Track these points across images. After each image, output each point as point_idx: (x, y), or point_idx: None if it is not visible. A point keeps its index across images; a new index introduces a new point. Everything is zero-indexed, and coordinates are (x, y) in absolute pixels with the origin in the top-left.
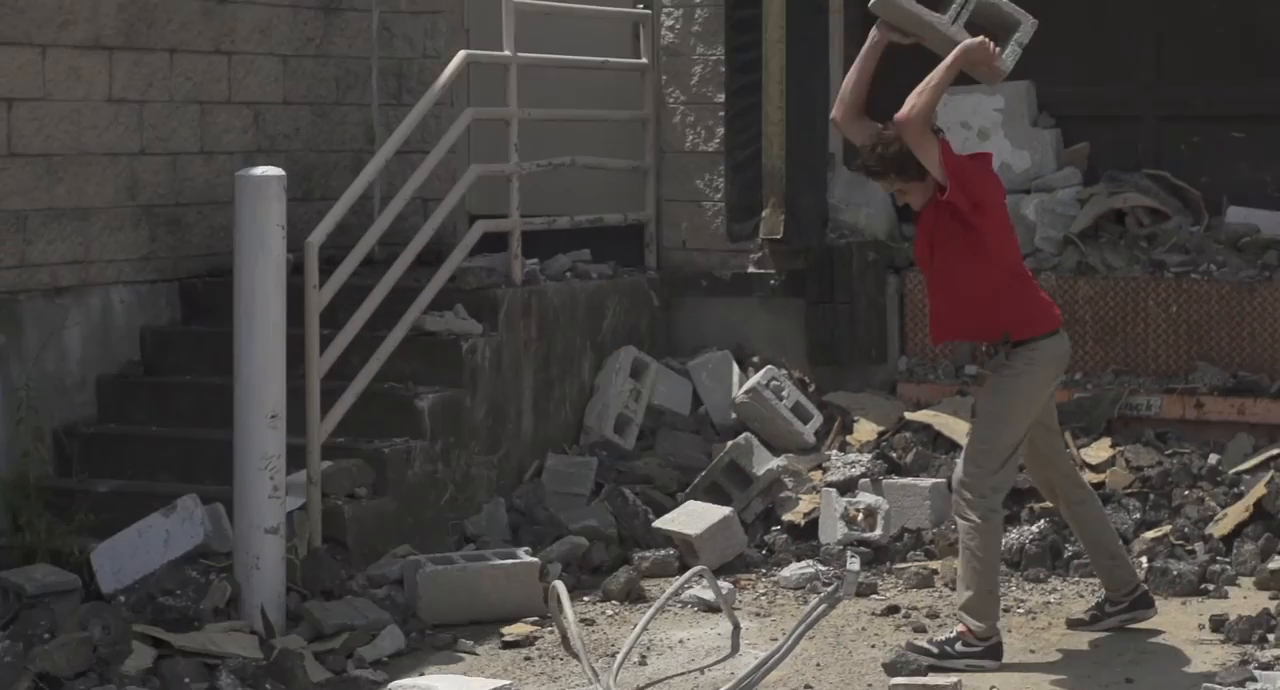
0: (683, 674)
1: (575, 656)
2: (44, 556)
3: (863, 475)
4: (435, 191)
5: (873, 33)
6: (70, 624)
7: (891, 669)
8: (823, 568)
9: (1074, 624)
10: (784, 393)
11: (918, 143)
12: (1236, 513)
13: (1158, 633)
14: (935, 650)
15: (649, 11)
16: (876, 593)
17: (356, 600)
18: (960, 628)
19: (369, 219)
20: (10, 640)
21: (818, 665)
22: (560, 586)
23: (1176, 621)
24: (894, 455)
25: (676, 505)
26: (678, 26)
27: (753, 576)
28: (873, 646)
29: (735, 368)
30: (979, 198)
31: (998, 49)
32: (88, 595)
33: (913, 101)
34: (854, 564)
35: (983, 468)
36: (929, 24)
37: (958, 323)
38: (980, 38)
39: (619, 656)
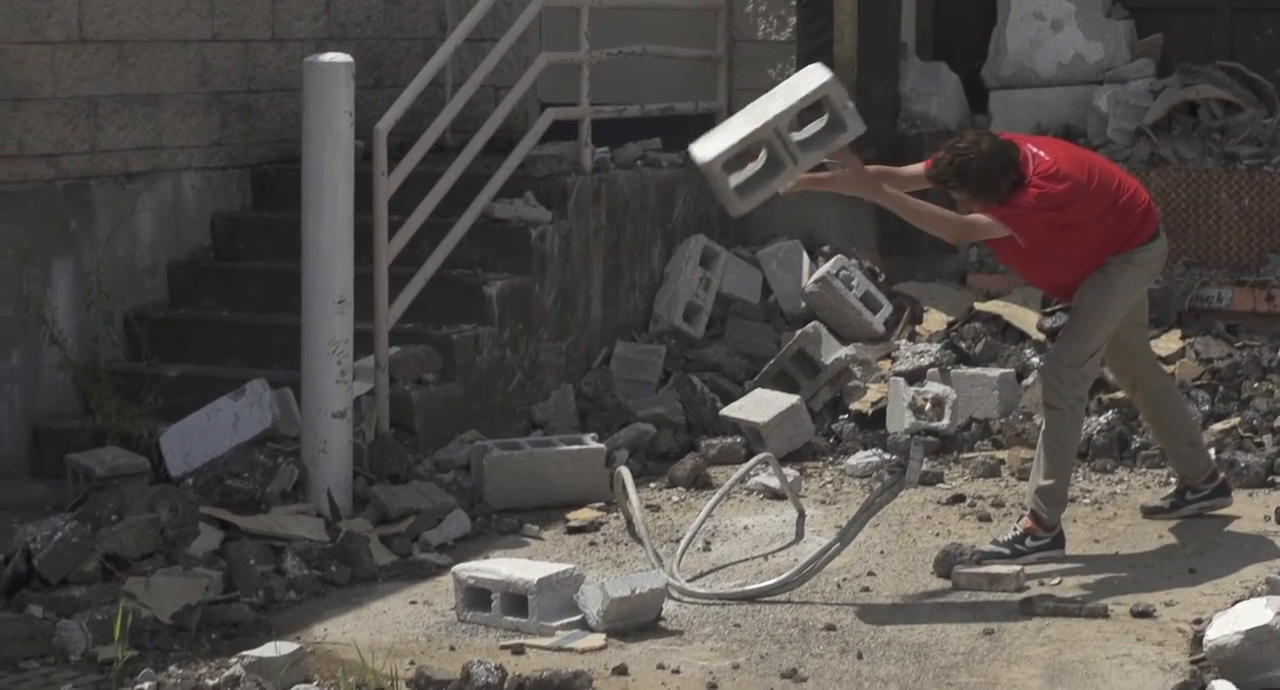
0: (746, 560)
1: (639, 542)
2: (113, 439)
3: (931, 365)
4: (506, 79)
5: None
6: (138, 506)
7: (941, 566)
8: (889, 457)
9: (1151, 512)
10: (854, 282)
11: (984, 234)
12: None
13: (1224, 523)
14: (1007, 550)
15: None
16: (942, 482)
17: (423, 485)
18: (1026, 523)
19: (439, 106)
20: (79, 521)
21: (881, 553)
22: (626, 473)
23: (1243, 513)
24: (963, 345)
25: (744, 393)
26: None
27: (819, 465)
28: (937, 535)
29: (805, 257)
30: (1064, 221)
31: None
32: (156, 478)
33: (941, 230)
34: (918, 452)
35: (1077, 359)
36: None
37: (1068, 285)
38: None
39: (683, 542)
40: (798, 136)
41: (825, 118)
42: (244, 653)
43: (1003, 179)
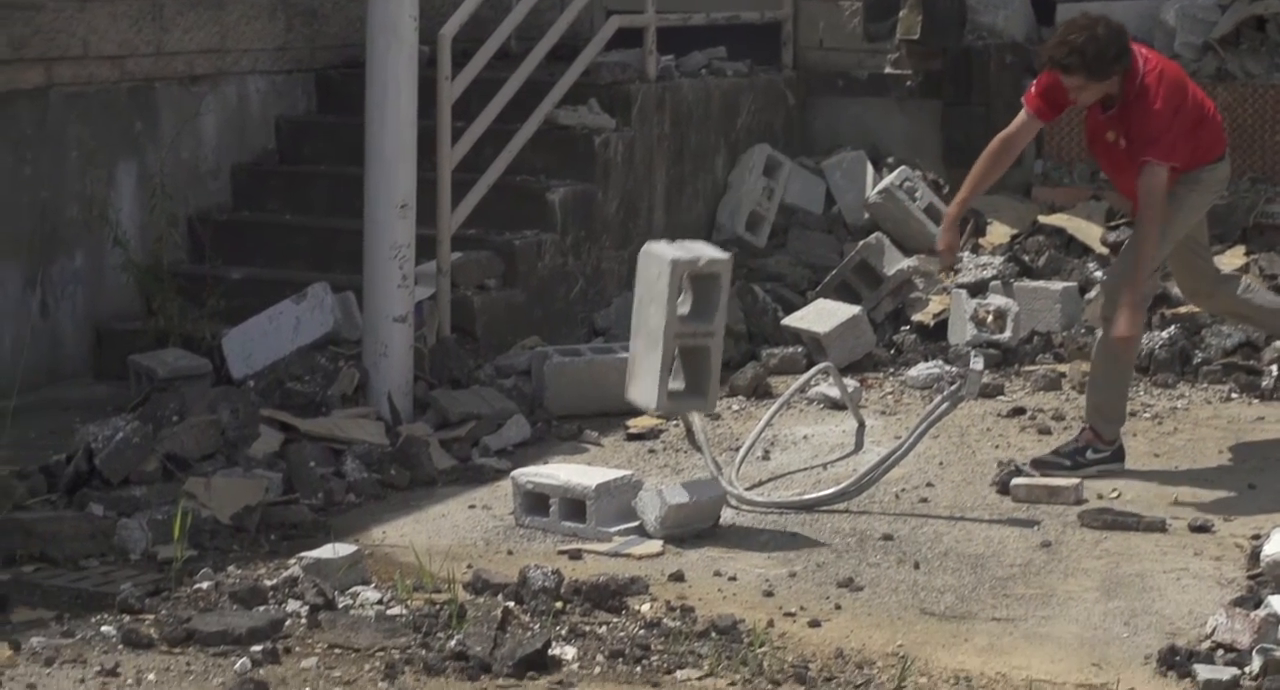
0: (805, 469)
1: (698, 450)
2: (175, 341)
3: (994, 277)
4: None
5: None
6: (199, 407)
7: (999, 478)
8: (949, 368)
9: None
10: (917, 194)
11: (1154, 233)
12: None
13: None
14: (1068, 462)
15: None
16: (1003, 394)
17: (483, 390)
18: (1086, 435)
19: (503, 13)
20: (140, 422)
21: (940, 464)
22: None
23: None
24: (1026, 258)
25: (806, 303)
26: None
27: (879, 376)
28: (996, 447)
29: (869, 168)
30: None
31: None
32: (217, 379)
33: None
34: (978, 363)
35: (1139, 275)
36: None
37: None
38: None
39: (742, 450)
40: (684, 311)
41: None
42: (302, 554)
43: (1116, 65)
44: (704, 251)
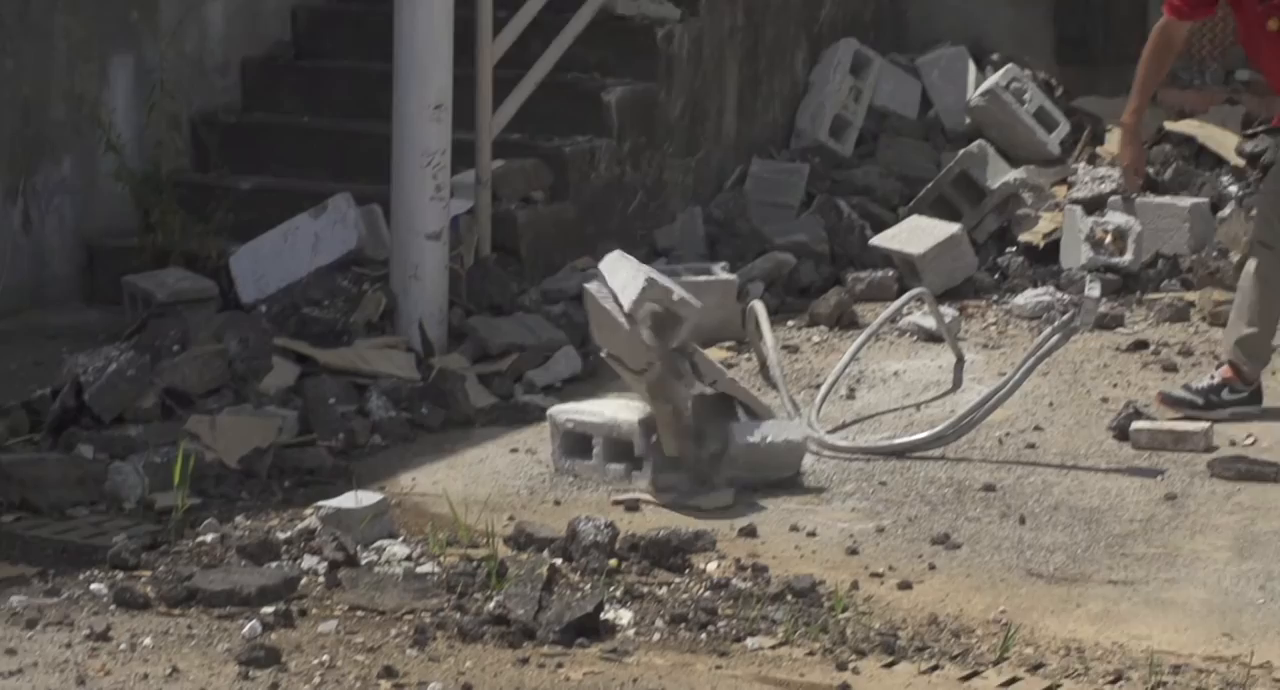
0: (896, 410)
1: (774, 387)
2: (177, 260)
3: (1113, 192)
4: None
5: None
6: (204, 335)
7: (1118, 421)
8: (1061, 296)
9: None
10: (1026, 96)
11: None
12: None
13: None
14: (1200, 400)
15: None
16: (1122, 326)
17: (528, 318)
18: (1224, 372)
19: None
20: (136, 351)
21: (1050, 404)
22: (760, 308)
23: None
24: (1150, 170)
25: (897, 220)
26: None
27: (981, 303)
28: (1114, 386)
29: (971, 66)
30: None
31: None
32: (225, 304)
33: None
34: (1095, 290)
35: None
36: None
37: None
38: None
39: (823, 388)
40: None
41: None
42: (320, 503)
43: None
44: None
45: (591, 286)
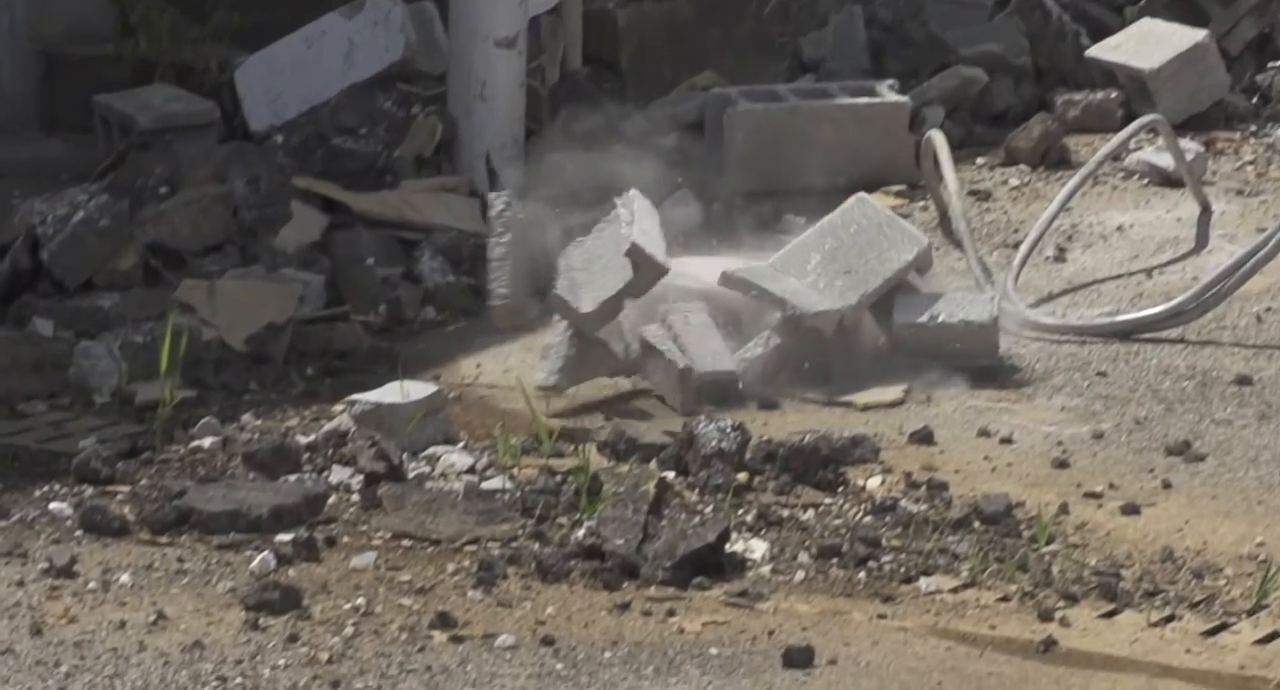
0: (1120, 277)
1: (958, 245)
2: (165, 74)
3: None
4: None
5: None
6: (201, 175)
7: None
8: None
9: None
10: None
11: None
12: None
13: None
14: None
15: None
16: None
17: (630, 151)
18: None
19: None
20: (110, 195)
21: None
22: (940, 140)
23: None
24: None
25: (1123, 25)
26: None
27: (1234, 136)
28: None
29: None
30: None
31: None
32: (228, 133)
33: None
34: None
35: None
36: None
37: None
38: None
39: (1024, 248)
40: None
41: None
42: (354, 397)
43: None
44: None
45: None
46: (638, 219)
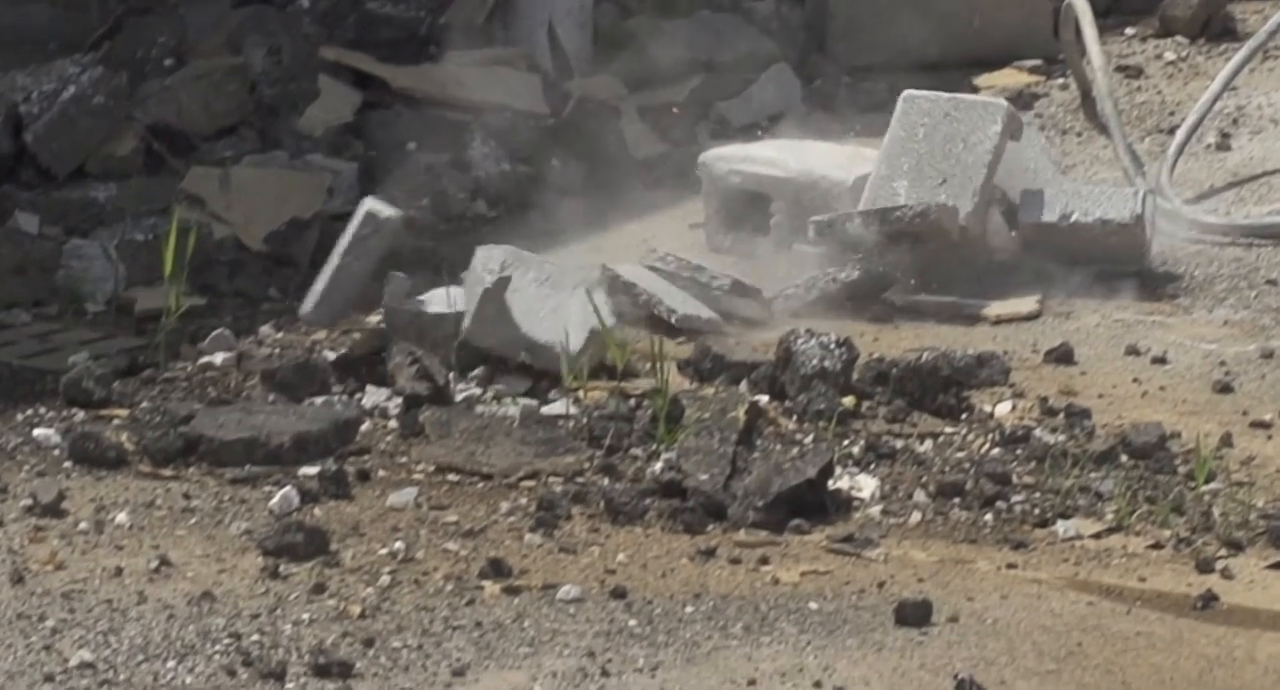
0: None
1: (1103, 130)
2: None
3: None
4: None
5: None
6: (212, 44)
7: None
8: None
9: None
10: None
11: None
12: None
13: None
14: None
15: None
16: None
17: (719, 18)
18: None
19: None
20: (105, 68)
21: None
22: (1083, 6)
23: None
24: None
25: None
26: None
27: None
28: None
29: None
30: None
31: None
32: None
33: None
34: None
35: None
36: None
37: None
38: None
39: (1180, 134)
40: None
41: None
42: (391, 305)
43: None
44: None
45: None
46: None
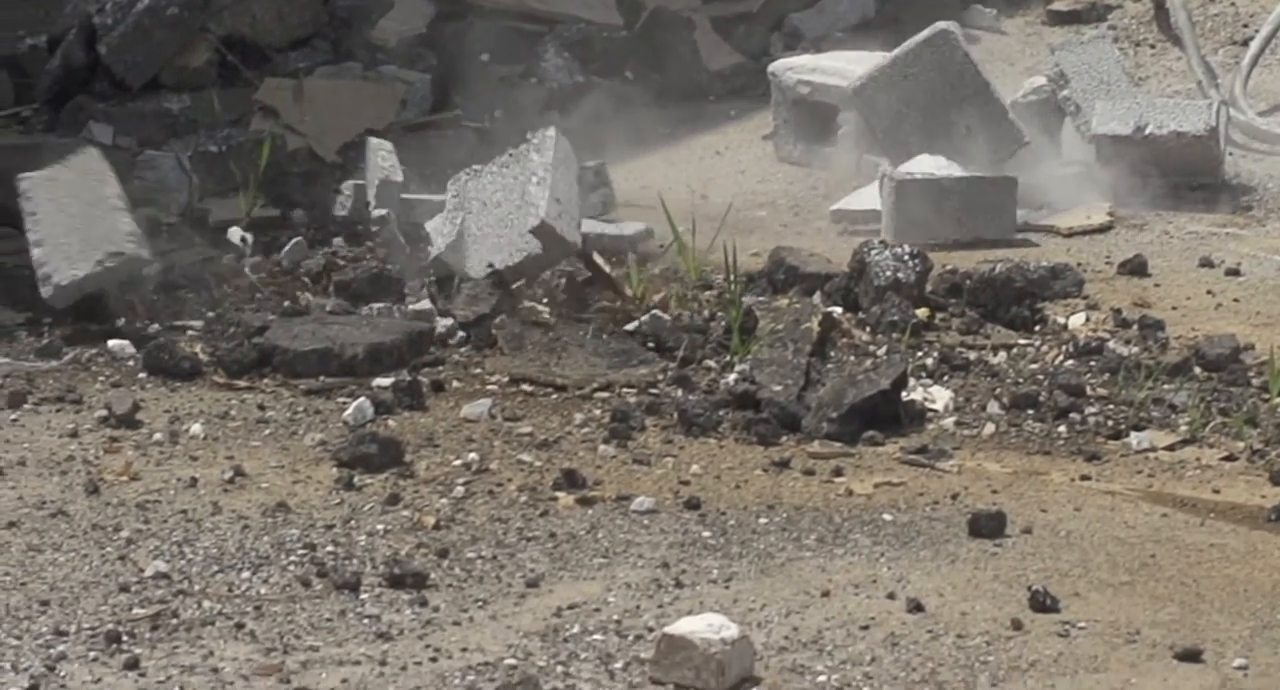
0: None
1: (1176, 41)
2: None
3: None
4: None
5: None
6: None
7: None
8: None
9: None
10: None
11: None
12: None
13: None
14: None
15: None
16: None
17: None
18: None
19: None
20: None
21: None
22: None
23: None
24: None
25: None
26: None
27: None
28: None
29: None
30: None
31: None
32: None
33: None
34: None
35: None
36: None
37: None
38: None
39: (1255, 44)
40: None
41: None
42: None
43: None
44: None
45: None
46: (552, 173)
